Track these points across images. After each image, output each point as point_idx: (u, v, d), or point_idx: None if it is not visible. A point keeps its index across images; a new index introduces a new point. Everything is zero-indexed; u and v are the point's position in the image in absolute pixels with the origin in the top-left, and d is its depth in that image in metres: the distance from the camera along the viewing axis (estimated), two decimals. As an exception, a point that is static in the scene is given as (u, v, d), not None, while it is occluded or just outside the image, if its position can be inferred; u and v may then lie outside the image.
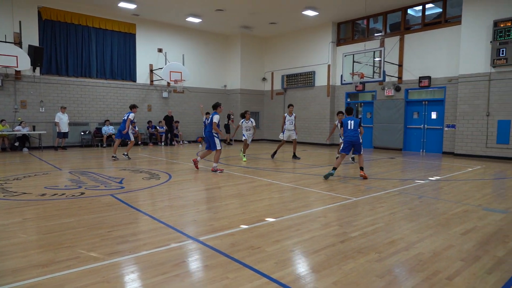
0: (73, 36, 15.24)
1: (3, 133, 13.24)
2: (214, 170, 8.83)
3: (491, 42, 11.98)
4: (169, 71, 16.59)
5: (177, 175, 8.46)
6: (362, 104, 17.06)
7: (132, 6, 14.92)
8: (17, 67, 13.31)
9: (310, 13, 15.63)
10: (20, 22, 13.81)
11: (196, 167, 9.24)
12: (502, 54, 11.74)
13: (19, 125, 13.67)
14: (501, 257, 3.54)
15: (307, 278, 3.05)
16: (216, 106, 9.03)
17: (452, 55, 13.41)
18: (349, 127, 8.19)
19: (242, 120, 11.65)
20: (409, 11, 15.15)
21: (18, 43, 13.73)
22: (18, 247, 3.70)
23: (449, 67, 13.57)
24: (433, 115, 14.39)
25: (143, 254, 3.52)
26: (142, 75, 17.33)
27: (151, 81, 17.59)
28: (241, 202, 5.82)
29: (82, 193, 6.31)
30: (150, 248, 3.68)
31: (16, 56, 13.23)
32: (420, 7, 14.60)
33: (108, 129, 15.80)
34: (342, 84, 15.77)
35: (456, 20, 13.40)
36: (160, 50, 17.71)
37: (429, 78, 14.09)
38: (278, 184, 7.46)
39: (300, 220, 4.76)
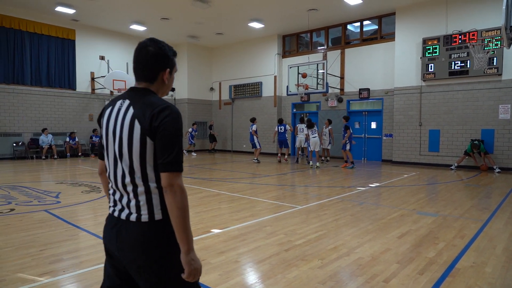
0: (4, 40, 14.12)
1: None
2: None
3: (421, 58, 13.01)
4: (112, 80, 15.94)
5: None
6: (308, 114, 17.61)
7: (70, 11, 14.19)
8: None
9: (256, 25, 15.93)
10: None
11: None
12: (431, 69, 12.79)
13: None
14: (431, 258, 3.80)
15: (251, 288, 3.05)
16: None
17: (388, 69, 14.36)
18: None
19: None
20: (349, 27, 16.01)
21: None
22: None
23: (386, 80, 14.50)
24: (373, 125, 15.24)
25: (80, 273, 3.31)
26: (82, 83, 16.48)
27: (93, 89, 16.78)
28: (187, 214, 5.69)
29: (12, 210, 5.81)
30: (87, 266, 3.46)
31: None
32: (358, 24, 15.50)
33: (46, 139, 14.71)
34: (288, 95, 16.18)
35: (390, 37, 14.40)
36: (102, 58, 16.99)
37: (368, 90, 14.93)
38: (226, 194, 7.42)
39: (246, 230, 4.76)
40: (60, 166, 12.66)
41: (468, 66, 12.00)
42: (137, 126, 1.51)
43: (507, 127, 11.56)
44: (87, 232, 4.66)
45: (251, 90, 18.81)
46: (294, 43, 17.70)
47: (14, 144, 14.45)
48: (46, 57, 15.28)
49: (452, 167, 12.12)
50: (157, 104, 1.53)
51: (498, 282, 3.20)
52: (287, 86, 15.58)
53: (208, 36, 18.13)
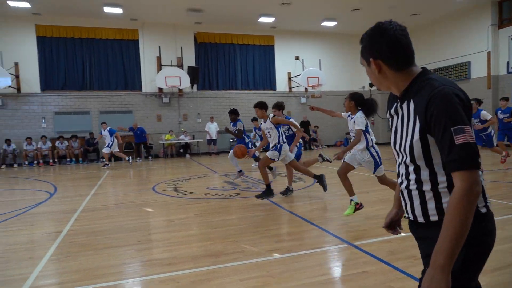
0: (222, 54, 17.07)
1: (171, 142, 15.69)
2: None
3: None
4: (306, 77, 16.96)
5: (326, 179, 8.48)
6: None
7: (271, 20, 15.83)
8: (180, 85, 15.64)
9: (461, -4, 13.84)
10: (181, 48, 16.18)
11: None
12: None
13: (182, 134, 15.99)
14: None
15: (488, 295, 2.67)
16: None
17: None
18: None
19: None
20: None
21: (180, 65, 16.11)
22: (194, 238, 4.30)
23: None
24: None
25: (300, 254, 3.63)
26: (281, 83, 18.18)
27: (290, 88, 18.26)
28: (393, 207, 5.47)
29: (238, 194, 6.93)
30: (306, 249, 3.77)
31: (179, 77, 15.56)
32: None
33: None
34: (508, 73, 13.39)
35: None
36: (297, 58, 18.26)
37: None
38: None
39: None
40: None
41: None
42: None
43: None
44: (300, 217, 5.08)
45: (455, 73, 16.48)
46: (514, 9, 14.50)
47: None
48: (252, 64, 17.69)
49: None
50: None
51: None
52: (507, 62, 12.94)
53: (400, 19, 16.75)
